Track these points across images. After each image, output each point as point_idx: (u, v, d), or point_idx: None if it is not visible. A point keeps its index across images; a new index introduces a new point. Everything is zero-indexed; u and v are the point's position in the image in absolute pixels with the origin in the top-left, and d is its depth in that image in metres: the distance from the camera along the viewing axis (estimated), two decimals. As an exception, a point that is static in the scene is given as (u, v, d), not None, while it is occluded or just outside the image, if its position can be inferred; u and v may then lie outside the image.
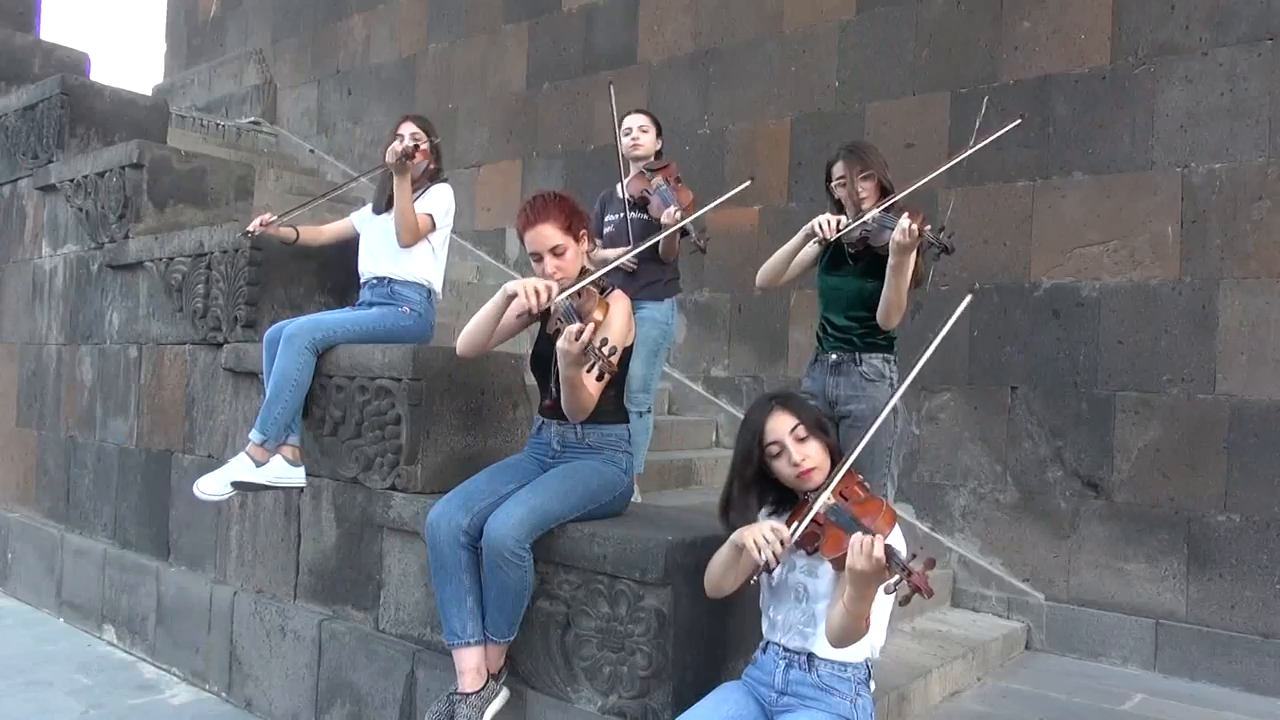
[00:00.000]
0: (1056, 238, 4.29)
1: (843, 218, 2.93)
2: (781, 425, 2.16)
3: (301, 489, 3.29)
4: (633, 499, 3.66)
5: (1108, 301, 4.15)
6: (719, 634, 2.51)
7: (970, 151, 3.04)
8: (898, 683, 3.18)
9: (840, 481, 2.08)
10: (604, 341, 2.27)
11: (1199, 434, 3.92)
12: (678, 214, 3.62)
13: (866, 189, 3.03)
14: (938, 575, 4.34)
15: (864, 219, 2.87)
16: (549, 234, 2.57)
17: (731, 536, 2.14)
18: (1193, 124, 4.00)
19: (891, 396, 2.39)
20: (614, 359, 2.23)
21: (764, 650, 2.21)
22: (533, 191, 2.95)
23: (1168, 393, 3.99)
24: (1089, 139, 4.23)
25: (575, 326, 2.28)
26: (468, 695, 2.53)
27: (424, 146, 3.44)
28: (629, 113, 4.03)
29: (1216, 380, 3.90)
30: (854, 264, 3.02)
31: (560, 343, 2.31)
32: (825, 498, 2.04)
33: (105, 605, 4.34)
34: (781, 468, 2.16)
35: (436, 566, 2.57)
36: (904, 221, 2.67)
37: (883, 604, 2.03)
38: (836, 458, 2.17)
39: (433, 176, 3.50)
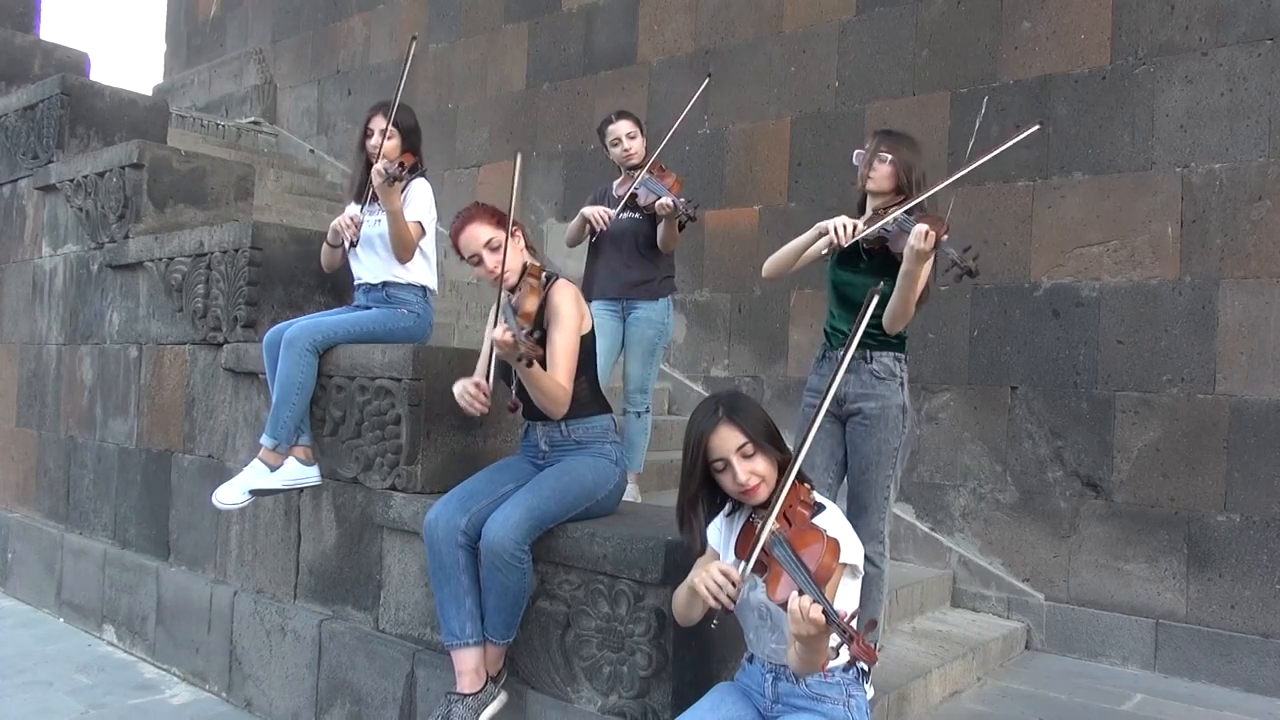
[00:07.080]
0: (1056, 238, 4.29)
1: (859, 223, 2.81)
2: (728, 443, 2.02)
3: (309, 488, 3.30)
4: (634, 499, 3.67)
5: (1108, 301, 4.15)
6: (719, 634, 2.50)
7: (992, 155, 2.88)
8: (898, 683, 3.18)
9: (785, 498, 1.96)
10: (528, 331, 2.36)
11: (1199, 434, 3.92)
12: (668, 200, 3.65)
13: (880, 174, 2.89)
14: (937, 576, 4.35)
15: (884, 221, 2.76)
16: (478, 232, 2.67)
17: (687, 578, 2.09)
18: (1193, 124, 4.00)
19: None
20: (534, 339, 2.32)
21: (749, 660, 2.20)
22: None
23: (1168, 393, 3.99)
24: (1089, 139, 4.23)
25: (500, 329, 2.36)
26: (465, 696, 2.53)
27: (404, 164, 3.26)
28: (613, 120, 3.96)
29: (1216, 380, 3.90)
30: (868, 259, 2.88)
31: (496, 350, 2.41)
32: (771, 524, 1.92)
33: (105, 605, 4.34)
34: (726, 483, 2.07)
35: (435, 567, 2.57)
36: (920, 227, 2.58)
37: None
38: (786, 467, 2.03)
39: (412, 168, 3.37)
